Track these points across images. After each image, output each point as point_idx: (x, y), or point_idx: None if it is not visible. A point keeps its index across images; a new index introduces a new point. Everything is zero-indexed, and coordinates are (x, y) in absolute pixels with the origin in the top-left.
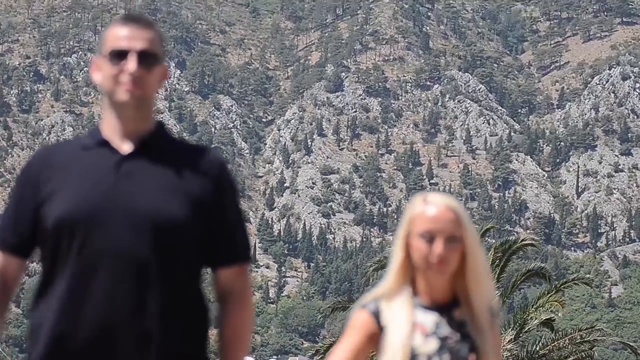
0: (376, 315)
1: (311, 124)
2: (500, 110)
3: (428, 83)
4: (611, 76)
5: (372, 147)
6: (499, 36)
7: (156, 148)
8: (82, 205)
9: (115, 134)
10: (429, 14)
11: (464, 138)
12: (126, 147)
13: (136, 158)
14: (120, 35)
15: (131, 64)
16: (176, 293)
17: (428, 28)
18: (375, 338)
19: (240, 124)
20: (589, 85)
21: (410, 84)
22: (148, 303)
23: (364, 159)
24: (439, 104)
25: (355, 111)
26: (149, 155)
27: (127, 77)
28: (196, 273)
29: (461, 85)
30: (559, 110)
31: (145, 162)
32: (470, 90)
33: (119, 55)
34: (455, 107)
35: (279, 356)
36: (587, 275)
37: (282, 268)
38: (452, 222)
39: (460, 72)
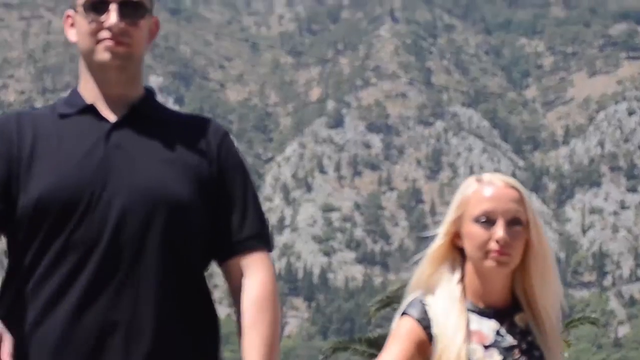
0: (423, 321)
1: (312, 161)
2: (505, 146)
3: (430, 119)
4: (617, 112)
5: (373, 184)
6: (503, 71)
7: (148, 116)
8: (68, 182)
9: (98, 100)
10: (432, 48)
11: (467, 175)
12: (113, 115)
13: (126, 127)
14: None
15: (112, 16)
16: (182, 286)
17: (431, 63)
18: (424, 348)
19: None
20: (594, 121)
21: (412, 120)
22: (148, 297)
23: (365, 197)
24: (442, 140)
25: (357, 148)
26: (141, 124)
27: (107, 33)
28: (203, 264)
29: (464, 122)
30: (564, 146)
31: (137, 131)
32: (473, 127)
33: (96, 7)
34: (458, 144)
35: None
36: (593, 315)
37: (283, 308)
38: (516, 201)
39: (463, 108)
